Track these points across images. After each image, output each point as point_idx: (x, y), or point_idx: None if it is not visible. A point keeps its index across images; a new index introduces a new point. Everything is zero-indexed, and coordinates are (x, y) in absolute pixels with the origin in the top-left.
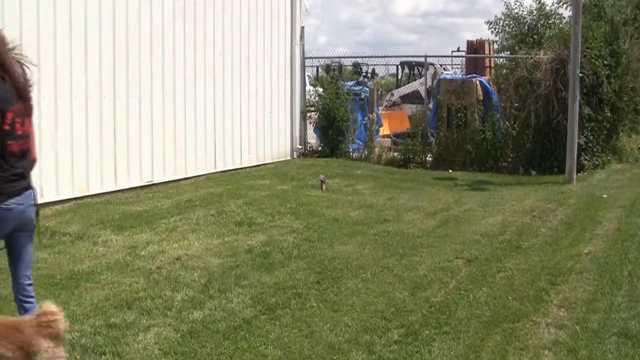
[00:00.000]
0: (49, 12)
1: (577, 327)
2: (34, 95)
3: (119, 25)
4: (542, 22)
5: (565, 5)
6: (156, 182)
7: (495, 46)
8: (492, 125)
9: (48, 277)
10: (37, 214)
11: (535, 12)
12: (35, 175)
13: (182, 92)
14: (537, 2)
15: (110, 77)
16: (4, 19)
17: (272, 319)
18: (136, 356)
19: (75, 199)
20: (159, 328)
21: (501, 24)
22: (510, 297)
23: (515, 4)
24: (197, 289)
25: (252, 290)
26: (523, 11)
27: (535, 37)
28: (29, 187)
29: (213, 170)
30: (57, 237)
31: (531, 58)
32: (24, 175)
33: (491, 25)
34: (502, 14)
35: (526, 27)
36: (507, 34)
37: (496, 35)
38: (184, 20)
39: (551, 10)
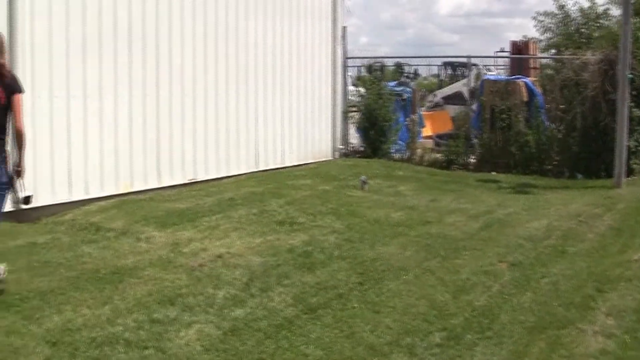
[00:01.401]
0: (94, 9)
1: (626, 337)
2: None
3: (161, 25)
4: (591, 23)
5: (616, 5)
6: (198, 180)
7: (541, 45)
8: (536, 127)
9: (93, 271)
10: None
11: (585, 10)
12: (80, 172)
13: (225, 92)
14: (590, 0)
15: (153, 75)
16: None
17: (314, 319)
18: (178, 352)
19: (119, 195)
20: (201, 325)
21: (548, 20)
22: (555, 303)
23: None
24: (239, 287)
25: (293, 289)
26: (572, 8)
27: (583, 37)
28: None
29: (255, 169)
30: (102, 233)
31: (578, 59)
32: None
33: (537, 22)
34: (548, 13)
35: (574, 27)
36: (553, 33)
37: (542, 35)
38: (226, 20)
39: (601, 11)
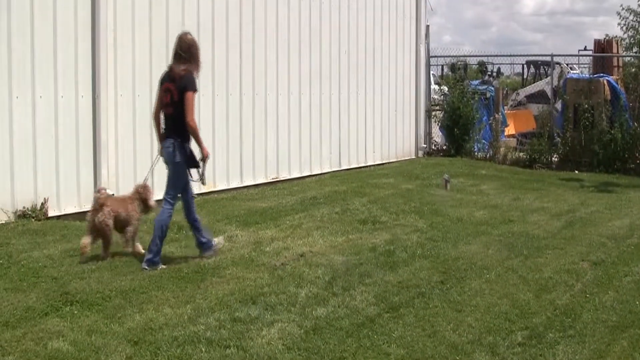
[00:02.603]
0: (178, 11)
1: None
2: None
3: (245, 23)
4: None
5: None
6: (281, 179)
7: (624, 43)
8: (620, 126)
9: (175, 270)
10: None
11: None
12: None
13: (308, 91)
14: None
15: (236, 75)
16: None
17: (395, 318)
18: (260, 351)
19: (201, 194)
20: (283, 323)
21: (631, 18)
22: (637, 302)
23: None
24: (321, 285)
25: (375, 288)
26: None
27: None
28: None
29: (337, 168)
30: (184, 232)
31: None
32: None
33: (621, 19)
34: (631, 9)
35: None
36: (636, 31)
37: (625, 32)
38: (310, 19)
39: None
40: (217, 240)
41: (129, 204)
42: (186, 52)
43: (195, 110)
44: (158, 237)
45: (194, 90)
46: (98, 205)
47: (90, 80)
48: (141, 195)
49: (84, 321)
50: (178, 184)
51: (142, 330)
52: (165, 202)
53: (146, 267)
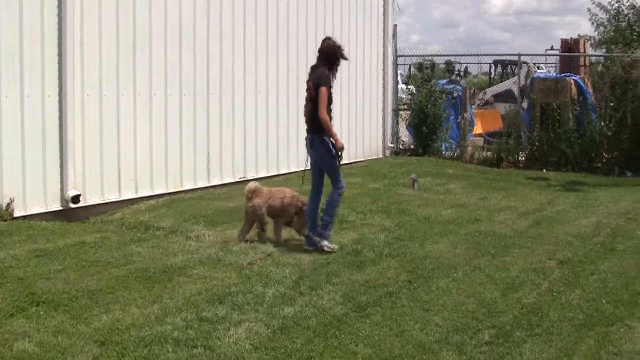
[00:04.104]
0: (145, 12)
1: None
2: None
3: (213, 25)
4: None
5: None
6: (248, 178)
7: (593, 41)
8: (586, 125)
9: (142, 270)
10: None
11: (637, 7)
12: (130, 171)
13: (275, 90)
14: None
15: (204, 75)
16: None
17: (363, 317)
18: (227, 350)
19: (169, 194)
20: (250, 323)
21: (601, 15)
22: (604, 301)
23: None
24: (288, 285)
25: (342, 287)
26: (625, 3)
27: (635, 34)
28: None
29: (305, 168)
30: (151, 232)
31: (627, 56)
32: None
33: (592, 16)
34: (602, 6)
35: (625, 23)
36: (606, 28)
37: (595, 29)
38: (277, 19)
39: None
40: (332, 245)
41: (282, 199)
42: (322, 53)
43: (326, 105)
44: (329, 214)
45: (327, 86)
46: (248, 197)
47: (56, 79)
48: (298, 208)
49: (50, 322)
50: (333, 171)
51: (108, 330)
52: (334, 188)
53: (315, 239)
